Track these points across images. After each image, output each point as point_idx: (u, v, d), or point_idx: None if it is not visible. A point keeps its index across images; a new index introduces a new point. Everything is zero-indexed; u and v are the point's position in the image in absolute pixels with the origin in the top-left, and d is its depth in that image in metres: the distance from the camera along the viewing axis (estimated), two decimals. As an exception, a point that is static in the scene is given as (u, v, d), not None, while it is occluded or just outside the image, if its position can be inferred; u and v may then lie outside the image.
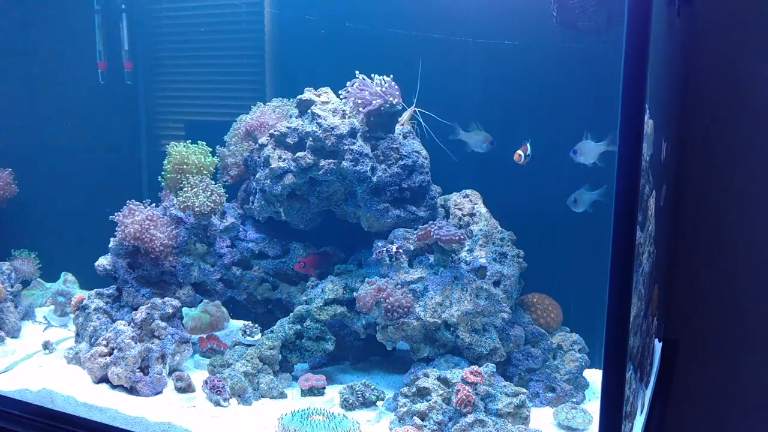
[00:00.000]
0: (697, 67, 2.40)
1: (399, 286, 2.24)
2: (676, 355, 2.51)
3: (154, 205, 2.60)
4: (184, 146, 2.62)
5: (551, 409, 2.17)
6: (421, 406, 1.96)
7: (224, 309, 2.81)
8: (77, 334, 2.55)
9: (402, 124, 2.44)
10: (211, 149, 2.68)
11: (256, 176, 2.52)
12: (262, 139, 2.54)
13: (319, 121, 2.40)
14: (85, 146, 3.24)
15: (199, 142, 2.66)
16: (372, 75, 2.37)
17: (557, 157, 2.37)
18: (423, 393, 2.01)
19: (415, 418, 1.94)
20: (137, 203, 2.55)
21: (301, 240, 2.68)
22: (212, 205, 2.52)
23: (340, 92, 2.45)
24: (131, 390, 2.22)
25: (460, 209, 2.42)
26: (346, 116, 2.43)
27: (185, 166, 2.58)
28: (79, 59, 3.13)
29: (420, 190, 2.43)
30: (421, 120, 2.40)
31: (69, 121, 3.23)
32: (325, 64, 2.74)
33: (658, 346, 2.41)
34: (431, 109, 2.40)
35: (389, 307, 2.19)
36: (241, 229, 2.69)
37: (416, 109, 2.40)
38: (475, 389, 1.96)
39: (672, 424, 2.61)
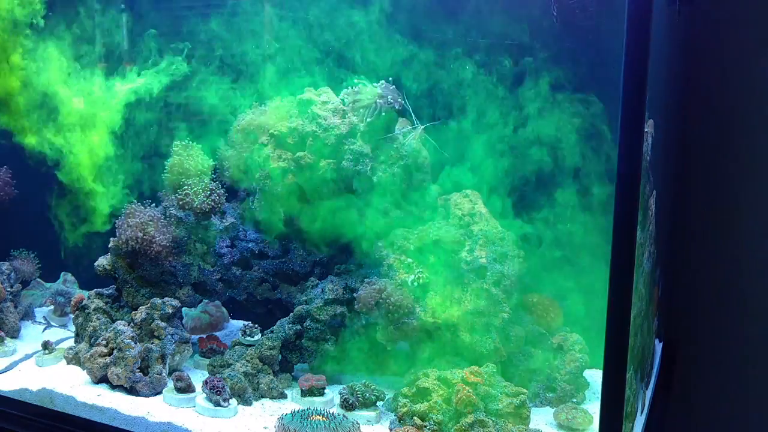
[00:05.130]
0: (697, 67, 2.40)
1: (399, 286, 2.24)
2: (676, 355, 2.51)
3: (154, 205, 2.59)
4: (185, 147, 2.62)
5: (551, 409, 2.17)
6: (421, 406, 1.96)
7: (224, 309, 2.82)
8: (77, 334, 2.54)
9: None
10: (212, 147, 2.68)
11: (256, 176, 2.52)
12: (263, 139, 2.54)
13: (319, 120, 2.39)
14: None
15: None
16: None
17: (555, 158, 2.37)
18: (423, 393, 2.01)
19: (415, 418, 1.94)
20: (137, 205, 2.54)
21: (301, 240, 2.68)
22: (212, 204, 2.52)
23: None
24: (131, 390, 2.22)
25: (460, 209, 2.42)
26: (346, 116, 2.42)
27: (184, 170, 2.58)
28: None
29: (420, 191, 2.42)
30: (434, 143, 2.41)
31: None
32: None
33: (658, 346, 2.41)
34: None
35: (390, 307, 2.19)
36: (241, 229, 2.69)
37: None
38: (476, 389, 1.96)
39: (672, 424, 2.61)
